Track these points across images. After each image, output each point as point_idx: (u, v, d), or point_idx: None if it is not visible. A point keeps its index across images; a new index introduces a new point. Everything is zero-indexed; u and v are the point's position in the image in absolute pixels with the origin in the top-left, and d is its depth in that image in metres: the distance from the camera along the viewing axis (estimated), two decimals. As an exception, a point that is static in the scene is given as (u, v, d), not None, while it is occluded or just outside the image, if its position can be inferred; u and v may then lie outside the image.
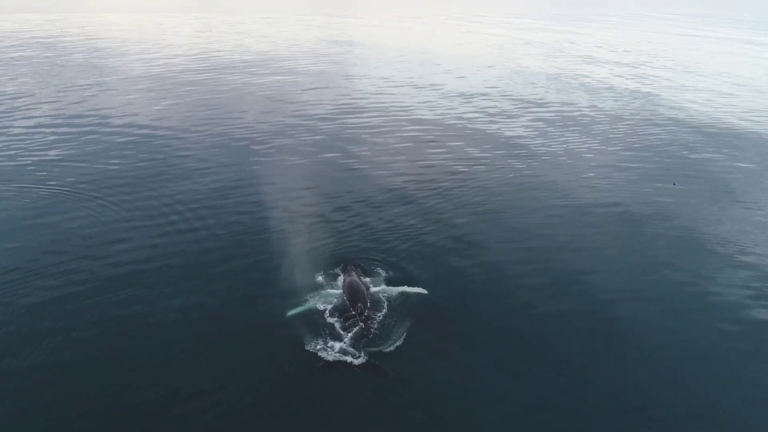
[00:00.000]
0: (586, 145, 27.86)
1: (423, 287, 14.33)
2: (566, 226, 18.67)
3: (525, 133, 29.31)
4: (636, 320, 13.92)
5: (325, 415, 10.70)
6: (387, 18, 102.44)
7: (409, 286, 14.30)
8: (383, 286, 14.33)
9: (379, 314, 13.23)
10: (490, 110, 33.91)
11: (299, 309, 13.15)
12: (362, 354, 11.81)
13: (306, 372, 11.48)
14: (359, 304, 12.95)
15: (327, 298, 13.63)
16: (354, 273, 14.47)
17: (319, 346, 12.01)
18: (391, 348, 12.15)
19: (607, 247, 17.46)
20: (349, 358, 11.67)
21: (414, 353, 12.10)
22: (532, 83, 42.93)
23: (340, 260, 15.51)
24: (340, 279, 14.52)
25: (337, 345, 12.04)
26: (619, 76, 47.87)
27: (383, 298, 13.79)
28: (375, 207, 19.39)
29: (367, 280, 14.57)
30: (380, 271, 15.19)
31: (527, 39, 73.83)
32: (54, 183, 20.02)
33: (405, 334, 12.60)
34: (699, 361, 12.66)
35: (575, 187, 22.11)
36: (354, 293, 13.41)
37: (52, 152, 23.39)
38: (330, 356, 11.75)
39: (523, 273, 15.69)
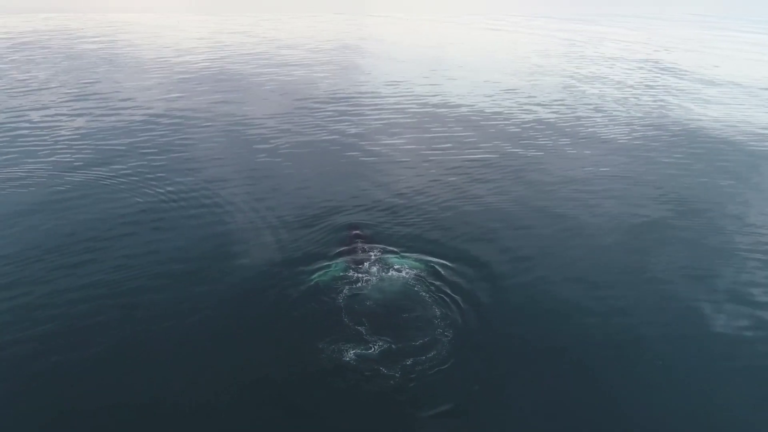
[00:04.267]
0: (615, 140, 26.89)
1: (432, 269, 13.87)
2: (578, 223, 17.61)
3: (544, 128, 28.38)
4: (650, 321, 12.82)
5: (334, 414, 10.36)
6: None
7: (412, 261, 14.20)
8: (389, 257, 14.38)
9: (390, 304, 12.48)
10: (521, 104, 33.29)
11: (324, 275, 13.54)
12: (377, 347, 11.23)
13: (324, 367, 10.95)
14: (356, 232, 15.23)
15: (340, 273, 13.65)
16: (358, 235, 15.38)
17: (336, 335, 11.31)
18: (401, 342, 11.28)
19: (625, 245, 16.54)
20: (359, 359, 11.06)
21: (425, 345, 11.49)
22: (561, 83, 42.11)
23: (346, 226, 16.19)
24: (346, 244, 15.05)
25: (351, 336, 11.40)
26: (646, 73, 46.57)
27: (392, 278, 13.40)
28: (391, 197, 18.93)
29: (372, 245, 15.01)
30: (389, 248, 15.11)
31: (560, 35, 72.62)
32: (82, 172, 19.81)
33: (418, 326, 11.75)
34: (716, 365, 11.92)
35: (591, 187, 21.22)
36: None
37: (80, 139, 23.23)
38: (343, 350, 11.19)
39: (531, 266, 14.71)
